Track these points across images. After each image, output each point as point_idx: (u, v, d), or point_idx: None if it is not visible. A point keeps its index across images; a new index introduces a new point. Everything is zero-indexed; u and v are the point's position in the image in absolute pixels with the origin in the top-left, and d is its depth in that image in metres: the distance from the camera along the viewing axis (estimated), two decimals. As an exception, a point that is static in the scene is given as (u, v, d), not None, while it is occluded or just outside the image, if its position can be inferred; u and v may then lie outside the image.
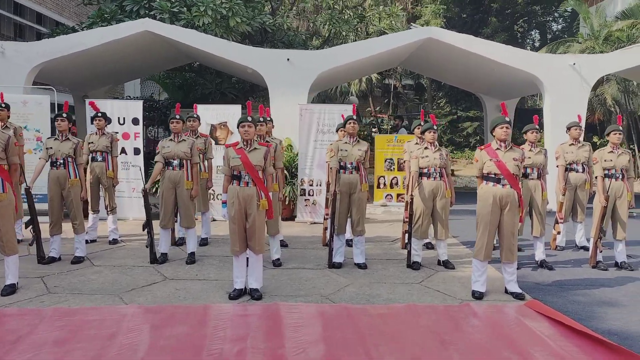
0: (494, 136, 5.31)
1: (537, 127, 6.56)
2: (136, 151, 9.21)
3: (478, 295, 5.22)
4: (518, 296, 5.21)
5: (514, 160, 5.18)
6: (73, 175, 6.17)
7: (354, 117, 6.39)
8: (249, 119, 4.95)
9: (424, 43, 10.66)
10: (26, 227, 5.97)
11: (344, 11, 15.63)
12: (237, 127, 4.98)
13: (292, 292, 5.26)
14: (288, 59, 9.88)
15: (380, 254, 7.02)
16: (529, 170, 6.54)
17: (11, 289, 5.03)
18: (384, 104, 30.08)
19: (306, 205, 9.22)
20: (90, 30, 10.21)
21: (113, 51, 10.42)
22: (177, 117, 6.29)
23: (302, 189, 9.21)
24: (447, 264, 6.33)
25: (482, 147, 5.40)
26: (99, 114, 7.14)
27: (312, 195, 9.21)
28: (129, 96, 18.56)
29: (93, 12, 12.43)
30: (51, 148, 6.17)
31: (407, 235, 6.32)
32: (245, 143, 4.99)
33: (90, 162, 7.19)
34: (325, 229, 7.45)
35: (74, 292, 5.12)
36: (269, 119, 7.24)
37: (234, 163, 4.94)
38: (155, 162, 6.30)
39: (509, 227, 5.19)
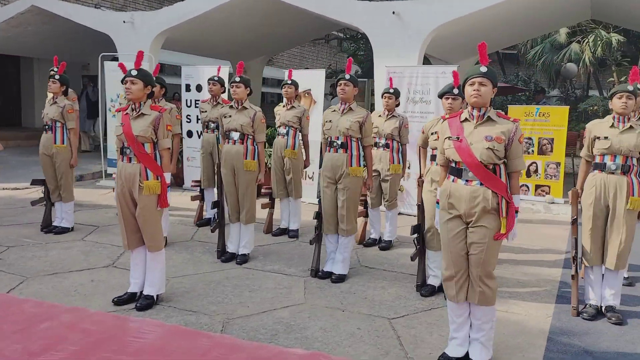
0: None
1: None
2: (222, 120, 8.64)
3: (444, 365, 3.22)
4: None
5: None
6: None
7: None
8: (133, 72, 3.78)
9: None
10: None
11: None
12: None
13: (201, 307, 3.99)
14: (393, 12, 8.11)
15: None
16: None
17: None
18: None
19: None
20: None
21: (232, 17, 9.97)
22: (289, 82, 5.40)
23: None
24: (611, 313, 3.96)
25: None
26: (214, 78, 6.41)
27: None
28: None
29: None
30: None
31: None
32: (132, 106, 3.84)
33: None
34: (366, 223, 5.85)
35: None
36: (289, 82, 5.87)
37: (117, 132, 3.85)
38: None
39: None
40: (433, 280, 4.41)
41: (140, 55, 3.89)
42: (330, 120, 4.59)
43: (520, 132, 3.08)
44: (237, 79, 4.88)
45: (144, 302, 3.90)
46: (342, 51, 17.88)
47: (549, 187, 7.85)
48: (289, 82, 5.84)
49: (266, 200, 6.20)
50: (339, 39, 17.17)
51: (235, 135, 4.90)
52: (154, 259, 3.95)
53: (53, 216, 6.05)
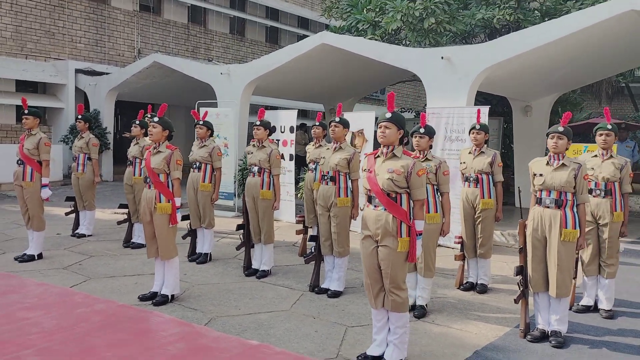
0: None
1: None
2: (290, 157, 9.72)
3: None
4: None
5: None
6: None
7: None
8: (155, 119, 4.91)
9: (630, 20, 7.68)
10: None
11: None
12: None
13: (202, 307, 4.93)
14: (442, 57, 8.67)
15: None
16: None
17: (29, 258, 6.28)
18: None
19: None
20: (282, 49, 11.17)
21: (310, 65, 11.12)
22: (257, 123, 5.92)
23: (427, 205, 7.98)
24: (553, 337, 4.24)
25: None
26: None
27: (439, 213, 7.87)
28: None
29: (332, 28, 13.59)
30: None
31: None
32: (154, 145, 4.97)
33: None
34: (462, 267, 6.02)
35: (71, 269, 6.05)
36: (317, 123, 6.74)
37: (142, 165, 4.99)
38: None
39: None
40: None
41: (163, 107, 5.02)
42: (323, 157, 5.38)
43: (419, 167, 3.66)
44: (258, 123, 5.86)
45: (160, 299, 4.93)
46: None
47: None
48: (317, 123, 6.72)
49: (301, 227, 7.03)
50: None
51: (255, 169, 5.86)
52: (168, 265, 4.98)
53: (134, 234, 7.42)
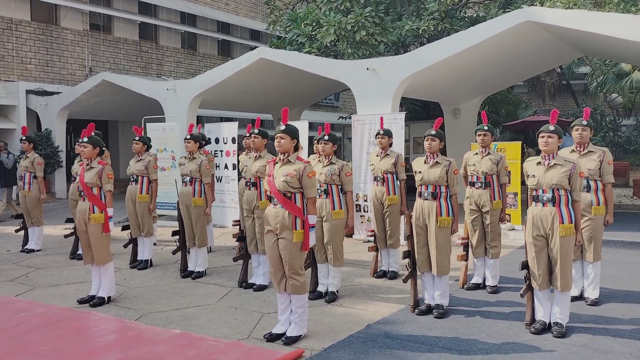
0: None
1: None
2: (233, 166, 10.27)
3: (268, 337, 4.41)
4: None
5: None
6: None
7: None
8: (84, 139, 5.43)
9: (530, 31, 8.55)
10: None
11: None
12: None
13: (135, 305, 5.46)
14: (367, 68, 9.38)
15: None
16: None
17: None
18: None
19: (362, 222, 8.62)
20: (224, 64, 11.77)
21: (252, 78, 11.73)
22: (188, 137, 6.52)
23: (357, 205, 8.66)
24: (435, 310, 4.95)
25: None
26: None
27: (367, 211, 8.56)
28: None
29: (272, 41, 14.28)
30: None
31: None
32: (87, 162, 5.48)
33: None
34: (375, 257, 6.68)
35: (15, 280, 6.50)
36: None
37: (76, 180, 5.50)
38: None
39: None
40: (320, 287, 5.54)
41: (91, 127, 5.54)
42: (246, 165, 5.97)
43: (309, 170, 4.29)
44: (188, 137, 6.44)
45: (97, 301, 5.44)
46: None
47: (509, 215, 8.53)
48: (247, 134, 7.29)
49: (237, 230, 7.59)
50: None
51: (187, 179, 6.42)
52: (104, 270, 5.49)
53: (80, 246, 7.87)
